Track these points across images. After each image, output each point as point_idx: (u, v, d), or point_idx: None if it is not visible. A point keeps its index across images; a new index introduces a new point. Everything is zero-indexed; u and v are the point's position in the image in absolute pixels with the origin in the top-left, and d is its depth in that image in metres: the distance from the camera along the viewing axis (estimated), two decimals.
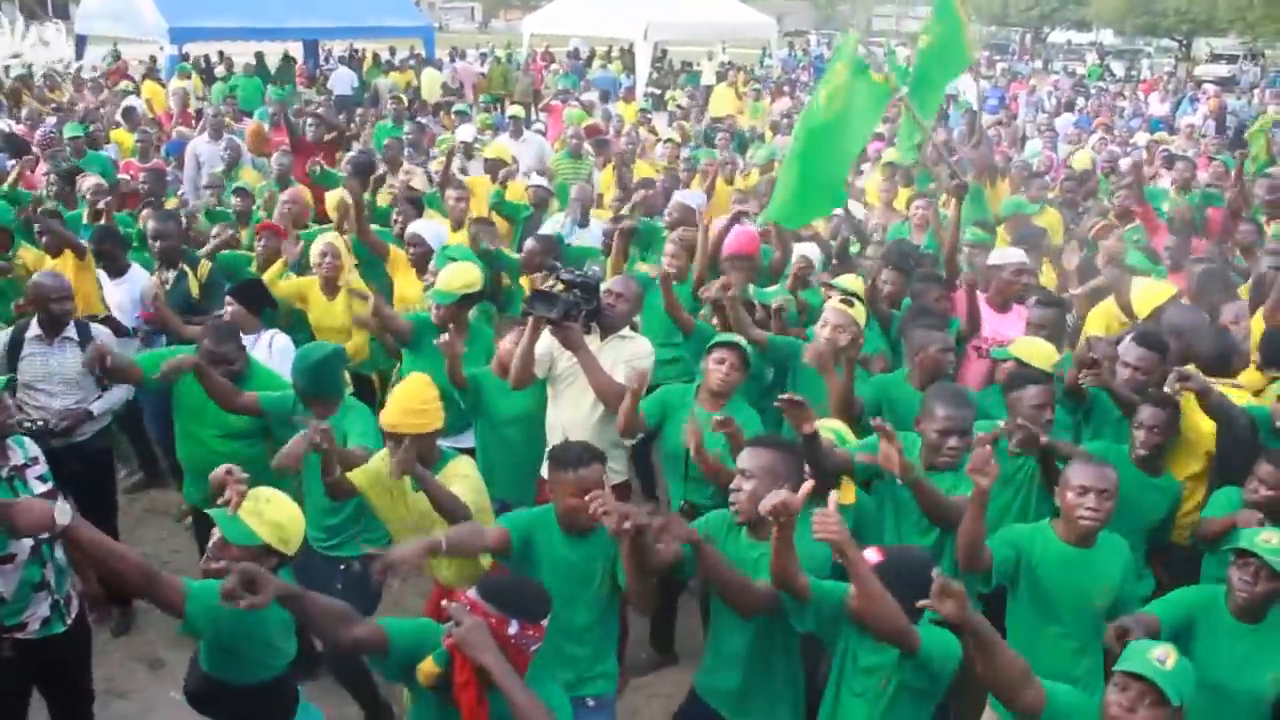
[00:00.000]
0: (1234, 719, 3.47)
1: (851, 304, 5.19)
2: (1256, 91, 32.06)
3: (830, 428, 4.46)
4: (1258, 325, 5.71)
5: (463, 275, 5.44)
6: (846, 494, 4.24)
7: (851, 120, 6.27)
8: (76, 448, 5.31)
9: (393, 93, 17.22)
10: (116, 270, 6.59)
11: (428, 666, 3.01)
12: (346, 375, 5.70)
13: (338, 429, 4.33)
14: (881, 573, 3.19)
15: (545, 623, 3.03)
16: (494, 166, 9.31)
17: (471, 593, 2.99)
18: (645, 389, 4.78)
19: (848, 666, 3.47)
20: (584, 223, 8.13)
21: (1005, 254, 6.42)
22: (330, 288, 6.44)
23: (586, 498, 3.49)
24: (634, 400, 4.58)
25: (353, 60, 23.62)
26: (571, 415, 4.92)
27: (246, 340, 5.33)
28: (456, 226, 7.80)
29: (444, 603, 3.12)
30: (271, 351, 5.63)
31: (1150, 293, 5.90)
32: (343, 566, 4.66)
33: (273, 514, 3.39)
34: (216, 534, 3.38)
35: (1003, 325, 5.96)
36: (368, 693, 4.77)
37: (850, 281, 5.69)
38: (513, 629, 2.93)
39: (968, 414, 4.20)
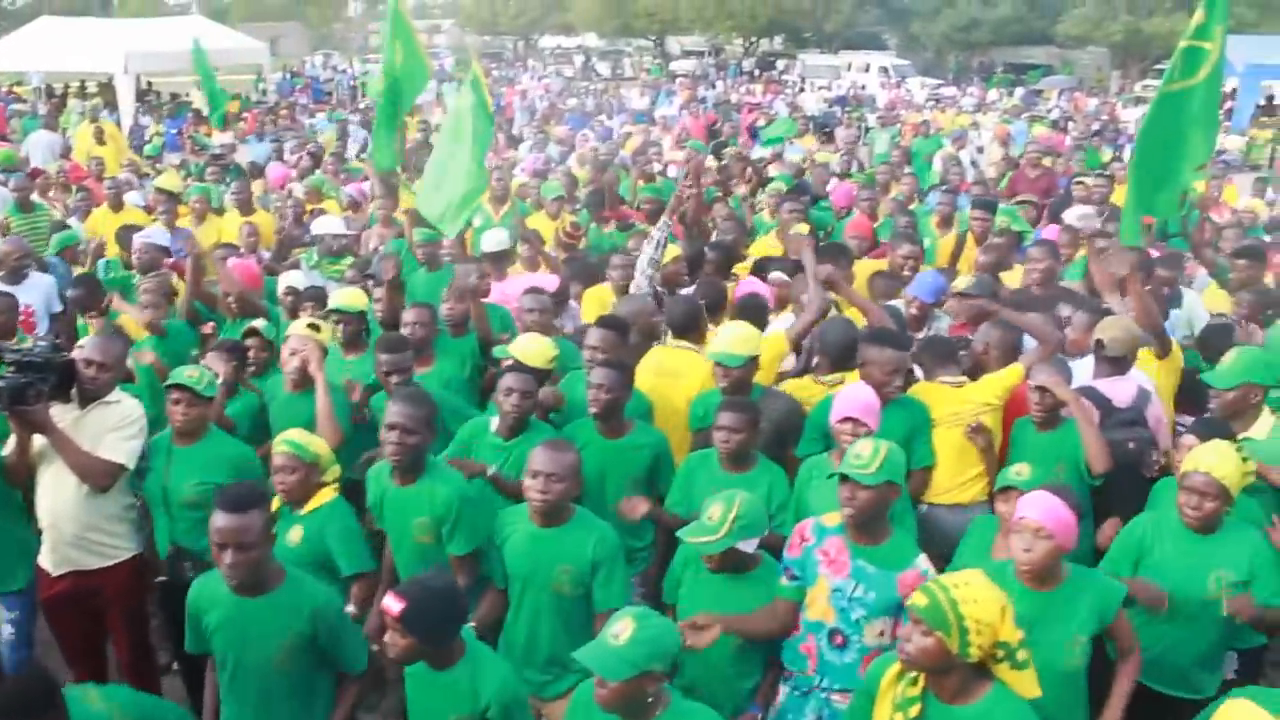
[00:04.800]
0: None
1: (318, 329, 5.43)
2: (720, 82, 36.19)
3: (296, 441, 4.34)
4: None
5: None
6: None
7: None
8: None
9: None
10: None
11: None
12: None
13: None
14: (408, 618, 3.16)
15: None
16: None
17: None
18: None
19: None
20: (14, 281, 7.34)
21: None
22: None
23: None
24: None
25: None
26: (55, 496, 4.48)
27: None
28: None
29: None
30: None
31: None
32: None
33: None
34: None
35: None
36: None
37: (347, 297, 5.87)
38: None
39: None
